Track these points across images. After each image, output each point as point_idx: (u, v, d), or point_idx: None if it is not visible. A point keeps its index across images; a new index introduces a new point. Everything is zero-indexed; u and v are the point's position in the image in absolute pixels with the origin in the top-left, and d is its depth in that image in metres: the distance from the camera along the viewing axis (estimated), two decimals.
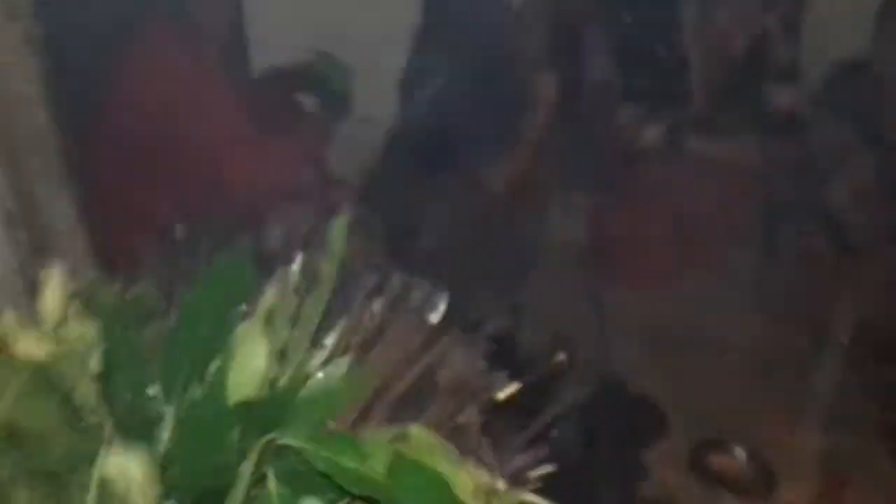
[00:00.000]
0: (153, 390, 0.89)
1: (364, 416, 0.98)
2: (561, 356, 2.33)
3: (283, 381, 0.91)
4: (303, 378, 0.93)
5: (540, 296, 2.59)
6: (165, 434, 0.87)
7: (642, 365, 2.44)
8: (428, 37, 2.63)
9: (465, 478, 0.84)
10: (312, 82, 2.58)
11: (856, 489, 2.06)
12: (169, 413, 0.88)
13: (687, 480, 2.10)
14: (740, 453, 2.16)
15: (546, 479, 1.90)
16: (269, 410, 0.84)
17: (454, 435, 1.02)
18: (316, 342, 0.99)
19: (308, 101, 2.62)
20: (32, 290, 0.89)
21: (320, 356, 0.98)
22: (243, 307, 0.94)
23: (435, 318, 1.14)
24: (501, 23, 2.60)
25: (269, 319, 0.91)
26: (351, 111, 2.60)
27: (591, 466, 2.04)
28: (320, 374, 0.94)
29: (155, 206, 2.22)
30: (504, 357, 2.22)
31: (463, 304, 2.46)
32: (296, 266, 1.04)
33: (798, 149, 2.78)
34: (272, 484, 0.81)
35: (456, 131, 2.47)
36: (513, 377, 2.08)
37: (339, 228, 0.98)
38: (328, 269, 0.97)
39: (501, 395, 1.11)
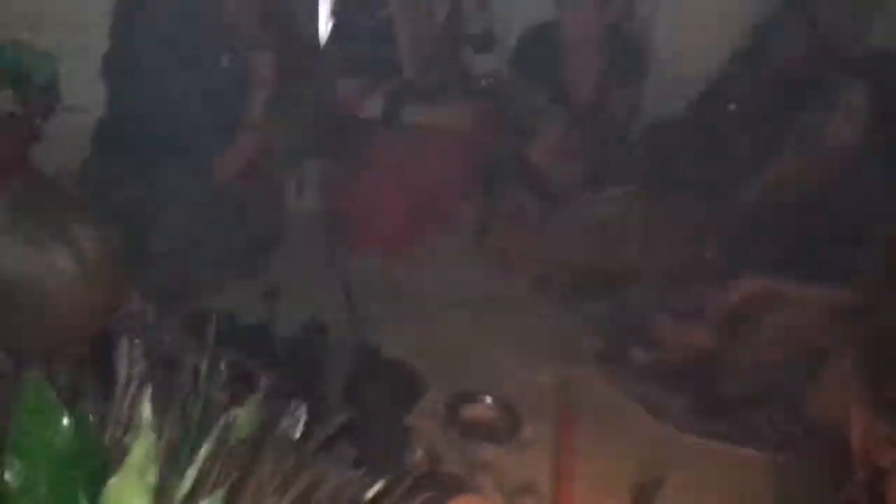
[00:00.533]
0: None
1: None
2: (316, 338, 2.41)
3: None
4: None
5: (290, 276, 2.58)
6: None
7: (393, 330, 2.50)
8: (131, 20, 2.46)
9: None
10: (11, 77, 2.31)
11: (585, 419, 2.27)
12: None
13: (446, 435, 2.19)
14: (488, 402, 2.31)
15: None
16: None
17: None
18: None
19: (7, 99, 2.36)
20: None
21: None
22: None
23: (298, 432, 1.16)
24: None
25: (142, 471, 0.91)
26: (58, 103, 2.39)
27: (359, 438, 2.15)
28: None
29: None
30: (262, 347, 2.26)
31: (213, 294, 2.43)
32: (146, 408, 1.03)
33: (500, 112, 3.05)
34: None
35: (174, 118, 2.37)
36: (272, 366, 2.12)
37: None
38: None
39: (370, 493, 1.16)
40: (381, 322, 2.55)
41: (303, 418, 1.20)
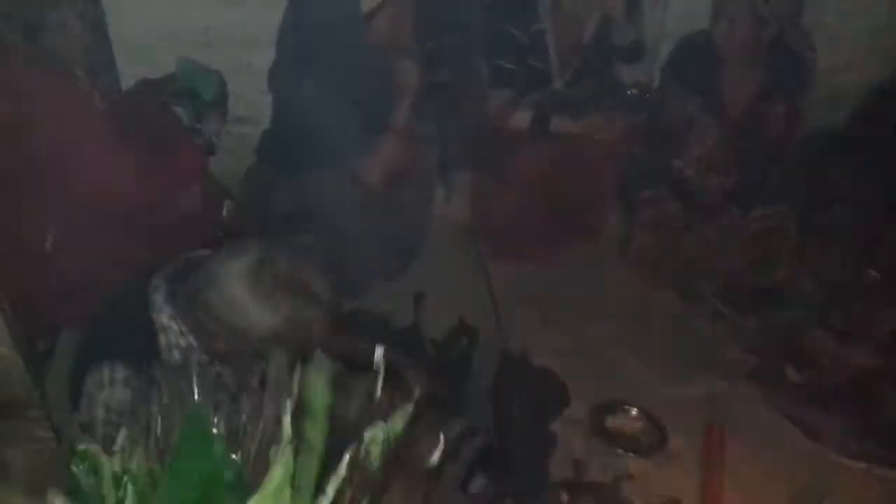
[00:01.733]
0: None
1: None
2: (465, 341, 2.46)
3: None
4: None
5: (436, 281, 2.62)
6: None
7: (538, 337, 2.52)
8: (291, 36, 2.59)
9: None
10: (181, 93, 2.50)
11: (735, 433, 2.20)
12: None
13: (589, 445, 2.19)
14: (634, 413, 2.29)
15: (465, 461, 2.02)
16: None
17: None
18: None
19: (182, 114, 2.55)
20: None
21: None
22: None
23: (435, 459, 1.19)
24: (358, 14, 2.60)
25: (279, 490, 0.96)
26: (226, 115, 2.56)
27: (505, 444, 2.17)
28: None
29: (40, 239, 2.14)
30: (411, 349, 2.33)
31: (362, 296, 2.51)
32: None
33: (648, 122, 3.00)
34: None
35: (327, 126, 2.48)
36: (421, 368, 2.18)
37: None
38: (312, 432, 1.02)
39: None
40: (526, 329, 2.57)
41: (440, 446, 1.19)
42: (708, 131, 2.74)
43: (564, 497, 1.94)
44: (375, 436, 1.13)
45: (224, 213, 2.36)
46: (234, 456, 1.13)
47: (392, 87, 2.67)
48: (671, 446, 2.21)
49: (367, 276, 2.67)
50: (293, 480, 1.03)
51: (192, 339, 1.50)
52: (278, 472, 1.01)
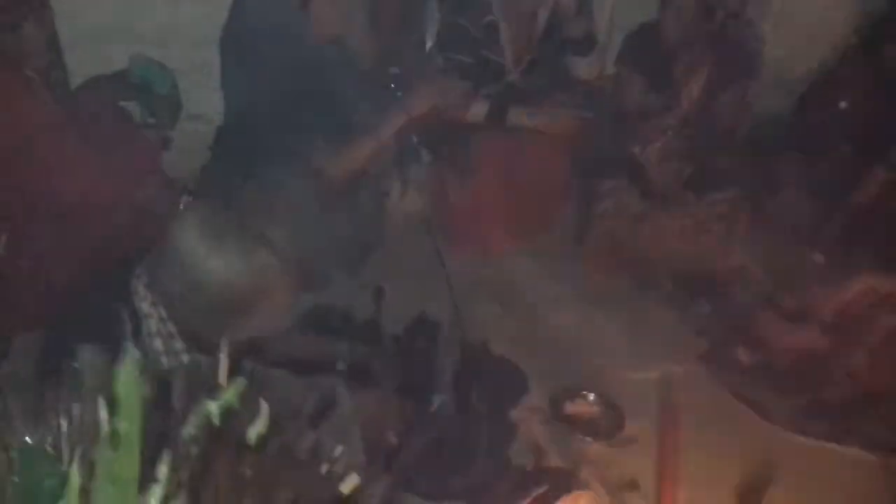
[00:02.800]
0: None
1: None
2: (423, 332, 2.47)
3: None
4: None
5: (394, 275, 2.63)
6: None
7: (496, 327, 2.54)
8: (236, 30, 2.56)
9: None
10: (134, 89, 2.47)
11: (690, 416, 2.24)
12: None
13: (549, 431, 2.23)
14: (592, 399, 2.32)
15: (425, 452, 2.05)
16: None
17: None
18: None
19: (136, 110, 2.52)
20: None
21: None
22: None
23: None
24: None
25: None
26: (180, 110, 2.54)
27: (466, 433, 2.20)
28: None
29: None
30: (370, 344, 2.34)
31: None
32: None
33: (602, 112, 3.04)
34: None
35: (280, 121, 2.47)
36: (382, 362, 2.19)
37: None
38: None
39: None
40: (484, 320, 2.60)
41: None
42: (664, 120, 2.79)
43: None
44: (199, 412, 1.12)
45: (182, 208, 2.34)
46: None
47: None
48: (629, 430, 2.25)
49: (328, 270, 2.66)
50: (114, 477, 1.04)
51: (171, 326, 1.50)
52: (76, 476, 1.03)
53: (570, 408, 2.32)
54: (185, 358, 1.51)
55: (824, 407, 2.32)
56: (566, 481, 1.95)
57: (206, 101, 2.82)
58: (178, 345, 1.50)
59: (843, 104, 2.85)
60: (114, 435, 1.04)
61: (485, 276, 2.84)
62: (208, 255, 1.41)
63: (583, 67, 2.95)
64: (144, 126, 2.37)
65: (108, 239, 2.13)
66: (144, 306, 1.50)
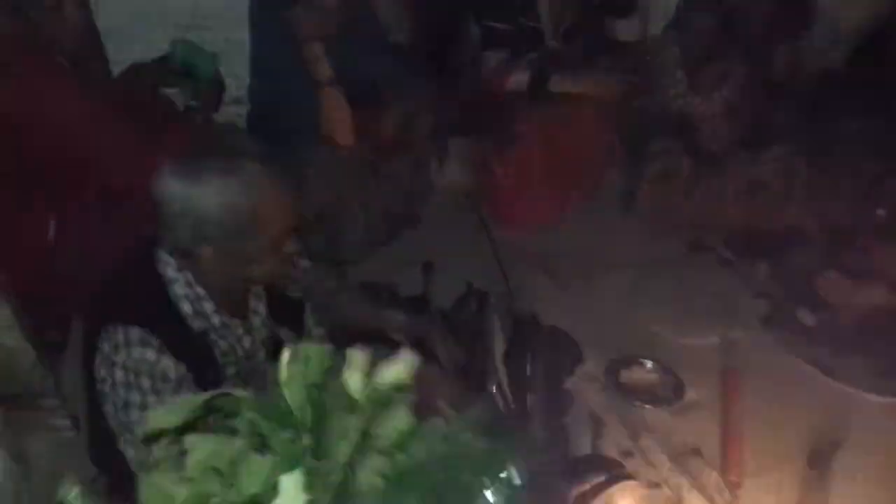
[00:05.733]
0: None
1: None
2: (474, 305, 2.43)
3: None
4: None
5: (441, 250, 2.59)
6: None
7: (548, 298, 2.50)
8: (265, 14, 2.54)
9: None
10: (177, 73, 2.47)
11: (752, 379, 2.16)
12: None
13: (605, 399, 2.18)
14: (649, 366, 2.26)
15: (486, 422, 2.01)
16: None
17: None
18: None
19: (178, 95, 2.52)
20: None
21: None
22: None
23: None
24: None
25: None
26: (224, 93, 2.53)
27: (521, 404, 2.16)
28: None
29: (43, 229, 2.13)
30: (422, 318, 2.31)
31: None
32: None
33: (647, 74, 2.95)
34: None
35: (300, 97, 2.44)
36: (430, 333, 2.15)
37: None
38: None
39: None
40: (535, 290, 2.55)
41: None
42: (733, 70, 2.69)
43: None
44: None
45: None
46: None
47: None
48: (688, 397, 2.19)
49: (366, 242, 2.63)
50: None
51: (199, 288, 1.50)
52: None
53: (627, 375, 2.26)
54: (216, 319, 1.52)
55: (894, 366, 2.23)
56: (617, 471, 1.90)
57: (245, 84, 2.81)
58: (208, 305, 1.51)
59: None
60: None
61: (532, 246, 2.78)
62: (196, 189, 1.42)
63: (624, 30, 2.86)
64: (187, 109, 2.36)
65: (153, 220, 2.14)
66: (169, 271, 1.50)
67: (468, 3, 2.93)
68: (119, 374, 1.43)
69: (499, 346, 2.09)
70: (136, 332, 1.42)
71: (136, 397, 1.43)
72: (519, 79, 2.77)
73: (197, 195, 1.42)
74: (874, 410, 2.16)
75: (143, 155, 2.08)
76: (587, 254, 2.76)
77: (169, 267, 1.50)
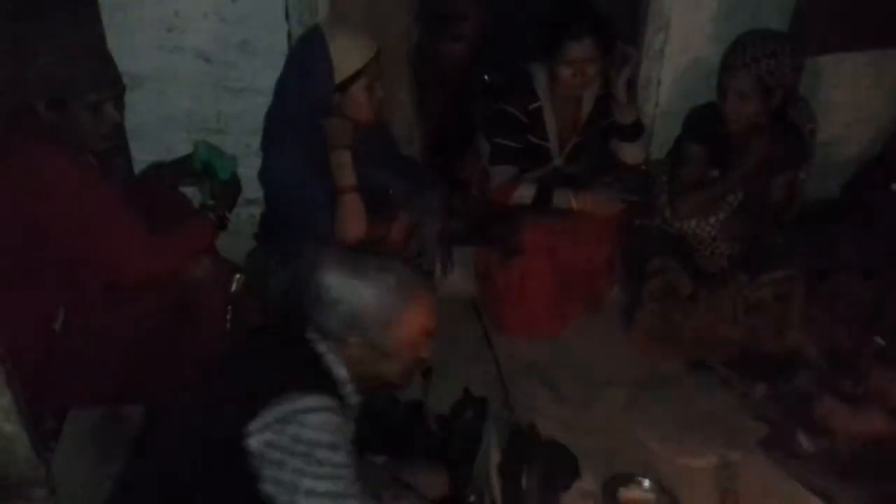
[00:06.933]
0: None
1: None
2: (470, 413, 2.42)
3: None
4: None
5: (441, 357, 2.63)
6: None
7: (546, 410, 2.51)
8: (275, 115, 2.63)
9: None
10: (197, 173, 2.55)
11: (750, 503, 2.19)
12: None
13: None
14: (646, 485, 2.23)
15: None
16: None
17: None
18: None
19: (196, 194, 2.60)
20: None
21: None
22: None
23: None
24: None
25: None
26: (240, 193, 2.60)
27: None
28: None
29: (51, 318, 2.15)
30: (415, 424, 2.29)
31: None
32: None
33: (648, 194, 3.03)
34: None
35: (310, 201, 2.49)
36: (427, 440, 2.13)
37: None
38: None
39: None
40: (534, 401, 2.54)
41: None
42: (722, 194, 2.76)
43: None
44: None
45: (234, 287, 2.37)
46: None
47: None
48: None
49: None
50: None
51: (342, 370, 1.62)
52: None
53: (624, 494, 2.24)
54: (354, 400, 1.63)
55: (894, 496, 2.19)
56: None
57: (259, 187, 2.89)
58: (350, 387, 1.62)
59: (895, 186, 2.81)
60: None
61: (533, 357, 2.79)
62: (353, 281, 1.58)
63: (630, 152, 2.96)
64: (203, 208, 2.43)
65: (163, 316, 2.17)
66: (321, 346, 1.60)
67: (479, 120, 3.06)
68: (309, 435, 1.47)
69: (494, 457, 2.08)
70: (326, 400, 1.51)
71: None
72: (524, 193, 2.85)
73: (354, 286, 1.57)
74: None
75: (157, 252, 2.15)
76: (587, 368, 2.76)
77: (320, 343, 1.60)
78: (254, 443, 1.46)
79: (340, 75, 2.38)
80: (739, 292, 2.69)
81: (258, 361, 1.61)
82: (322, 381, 1.56)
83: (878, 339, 2.43)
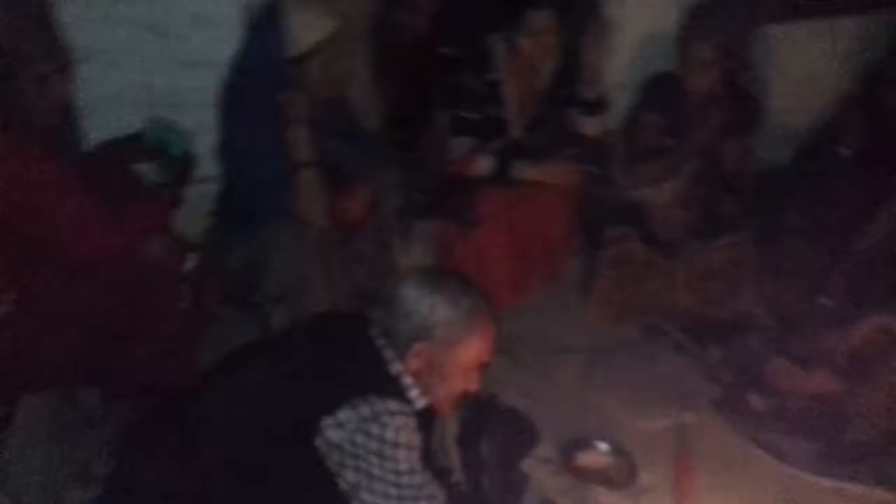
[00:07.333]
0: None
1: None
2: None
3: None
4: None
5: None
6: None
7: (505, 379, 2.54)
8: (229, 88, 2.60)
9: None
10: (149, 150, 2.52)
11: (705, 462, 2.23)
12: None
13: (561, 482, 2.21)
14: (603, 448, 2.30)
15: None
16: None
17: None
18: None
19: (149, 171, 2.56)
20: None
21: None
22: None
23: None
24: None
25: None
26: (194, 169, 2.58)
27: (478, 486, 2.16)
28: None
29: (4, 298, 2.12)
30: None
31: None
32: None
33: (607, 165, 3.06)
34: None
35: (270, 176, 2.47)
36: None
37: None
38: None
39: None
40: (493, 372, 2.56)
41: None
42: (675, 162, 2.79)
43: None
44: None
45: (189, 265, 2.36)
46: None
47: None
48: (643, 479, 2.21)
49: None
50: None
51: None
52: None
53: (582, 458, 2.29)
54: (421, 403, 1.68)
55: (844, 448, 2.28)
56: None
57: (216, 163, 2.86)
58: (415, 392, 1.67)
59: (844, 152, 2.86)
60: None
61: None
62: (432, 297, 1.65)
63: (590, 125, 2.98)
64: (157, 186, 2.40)
65: (117, 295, 2.15)
66: (387, 353, 1.65)
67: (438, 92, 3.05)
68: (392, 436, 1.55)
69: (452, 427, 2.10)
70: (394, 404, 1.57)
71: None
72: (483, 165, 2.86)
73: (432, 301, 1.64)
74: (825, 494, 2.20)
75: (109, 230, 2.13)
76: (546, 336, 2.80)
77: (387, 349, 1.65)
78: (335, 436, 1.53)
79: (298, 49, 2.36)
80: (693, 258, 2.75)
81: (323, 355, 1.65)
82: (394, 387, 1.62)
83: (825, 300, 2.49)
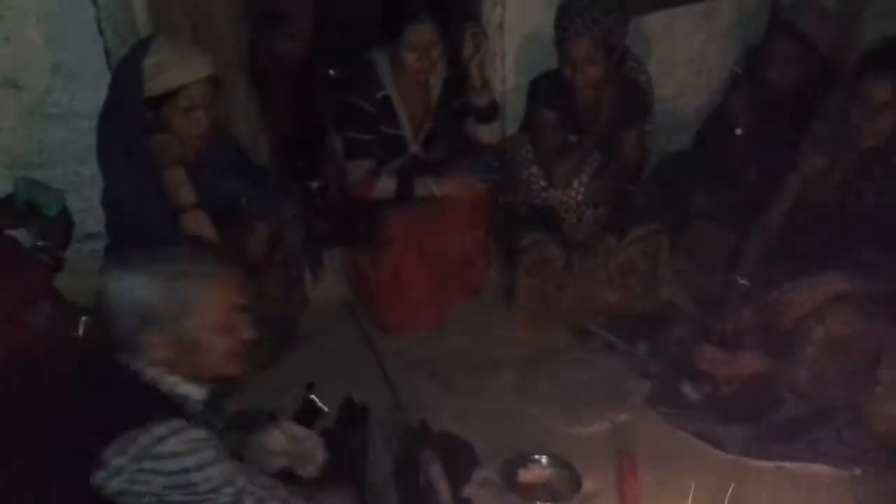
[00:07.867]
0: None
1: None
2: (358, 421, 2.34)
3: None
4: None
5: (323, 366, 2.53)
6: None
7: (436, 403, 2.46)
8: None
9: None
10: (21, 214, 2.35)
11: (646, 461, 2.18)
12: None
13: (505, 501, 2.13)
14: (544, 462, 2.23)
15: None
16: None
17: None
18: None
19: (24, 236, 2.39)
20: None
21: None
22: None
23: None
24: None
25: None
26: (73, 229, 2.42)
27: None
28: None
29: None
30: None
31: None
32: None
33: (509, 169, 3.02)
34: None
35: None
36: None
37: None
38: None
39: None
40: (423, 397, 2.48)
41: None
42: (581, 158, 2.77)
43: None
44: None
45: (81, 330, 2.19)
46: None
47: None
48: (587, 487, 2.16)
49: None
50: None
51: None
52: None
53: (524, 475, 2.23)
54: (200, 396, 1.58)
55: (779, 428, 2.29)
56: None
57: (100, 219, 2.69)
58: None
59: (738, 131, 2.91)
60: None
61: (417, 353, 2.73)
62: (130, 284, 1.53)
63: (486, 132, 2.93)
64: (34, 250, 2.23)
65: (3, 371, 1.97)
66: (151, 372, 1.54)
67: (327, 117, 2.96)
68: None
69: (384, 466, 2.01)
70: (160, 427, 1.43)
71: None
72: (384, 186, 2.78)
73: (130, 287, 1.51)
74: (768, 476, 2.20)
75: None
76: (473, 354, 2.73)
77: (133, 361, 1.52)
78: (110, 486, 1.39)
79: (151, 92, 2.25)
80: (609, 255, 2.74)
81: (89, 402, 1.51)
82: (154, 402, 1.47)
83: (742, 281, 2.51)
